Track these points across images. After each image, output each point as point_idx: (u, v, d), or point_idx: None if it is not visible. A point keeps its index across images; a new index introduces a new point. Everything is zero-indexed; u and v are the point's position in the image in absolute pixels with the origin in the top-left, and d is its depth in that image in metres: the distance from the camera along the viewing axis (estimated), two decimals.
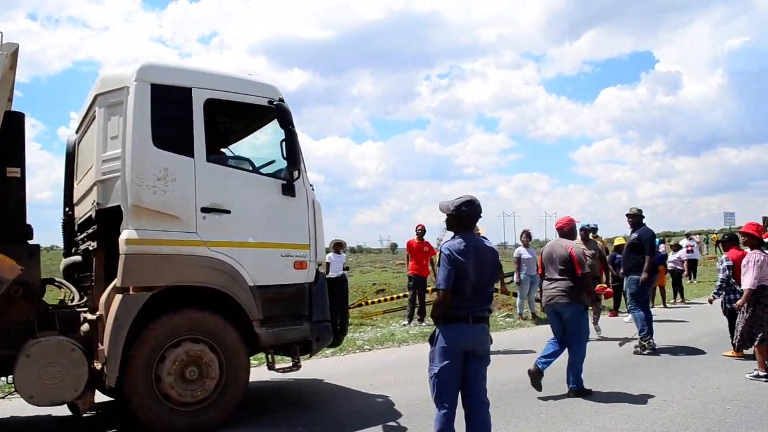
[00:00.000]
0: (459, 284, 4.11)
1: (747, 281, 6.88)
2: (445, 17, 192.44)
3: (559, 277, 6.50)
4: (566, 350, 6.43)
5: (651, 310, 9.02)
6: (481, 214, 4.31)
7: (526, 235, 12.78)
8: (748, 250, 7.15)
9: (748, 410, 5.55)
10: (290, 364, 5.89)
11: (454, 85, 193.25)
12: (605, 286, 8.71)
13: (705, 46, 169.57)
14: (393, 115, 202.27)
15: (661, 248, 13.72)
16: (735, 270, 7.49)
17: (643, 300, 8.75)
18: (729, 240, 8.45)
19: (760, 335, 6.81)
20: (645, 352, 8.30)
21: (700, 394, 6.14)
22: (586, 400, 6.04)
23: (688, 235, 21.56)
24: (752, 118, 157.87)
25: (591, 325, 8.76)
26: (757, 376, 6.71)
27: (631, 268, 8.79)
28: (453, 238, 4.25)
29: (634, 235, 8.89)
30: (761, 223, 9.79)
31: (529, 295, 12.17)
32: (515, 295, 12.69)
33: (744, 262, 7.01)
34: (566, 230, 6.84)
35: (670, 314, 12.71)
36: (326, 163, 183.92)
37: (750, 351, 7.29)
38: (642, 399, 6.01)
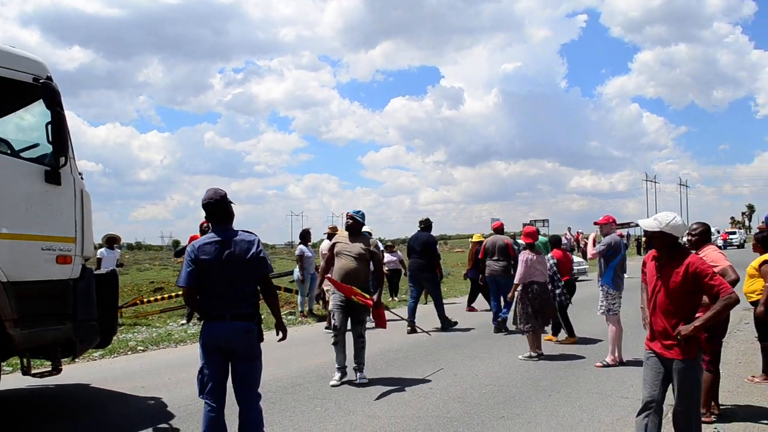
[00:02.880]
0: (208, 280, 4.03)
1: (516, 276, 7.82)
2: (245, 11, 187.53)
3: (500, 259, 10.13)
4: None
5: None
6: (229, 208, 4.15)
7: (307, 233, 12.93)
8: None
9: (500, 392, 6.24)
10: (49, 368, 5.40)
11: (249, 80, 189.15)
12: (366, 296, 6.63)
13: (483, 68, 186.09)
14: (182, 106, 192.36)
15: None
16: (559, 267, 8.63)
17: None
18: (553, 242, 9.51)
19: (528, 325, 7.74)
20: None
21: (461, 381, 6.76)
22: (359, 388, 6.34)
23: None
24: (520, 135, 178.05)
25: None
26: (530, 356, 7.74)
27: None
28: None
29: None
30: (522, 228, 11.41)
31: (310, 292, 12.28)
32: (297, 293, 12.87)
33: (521, 259, 7.90)
34: (500, 228, 10.83)
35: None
36: (105, 152, 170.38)
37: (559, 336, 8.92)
38: (410, 388, 6.45)
